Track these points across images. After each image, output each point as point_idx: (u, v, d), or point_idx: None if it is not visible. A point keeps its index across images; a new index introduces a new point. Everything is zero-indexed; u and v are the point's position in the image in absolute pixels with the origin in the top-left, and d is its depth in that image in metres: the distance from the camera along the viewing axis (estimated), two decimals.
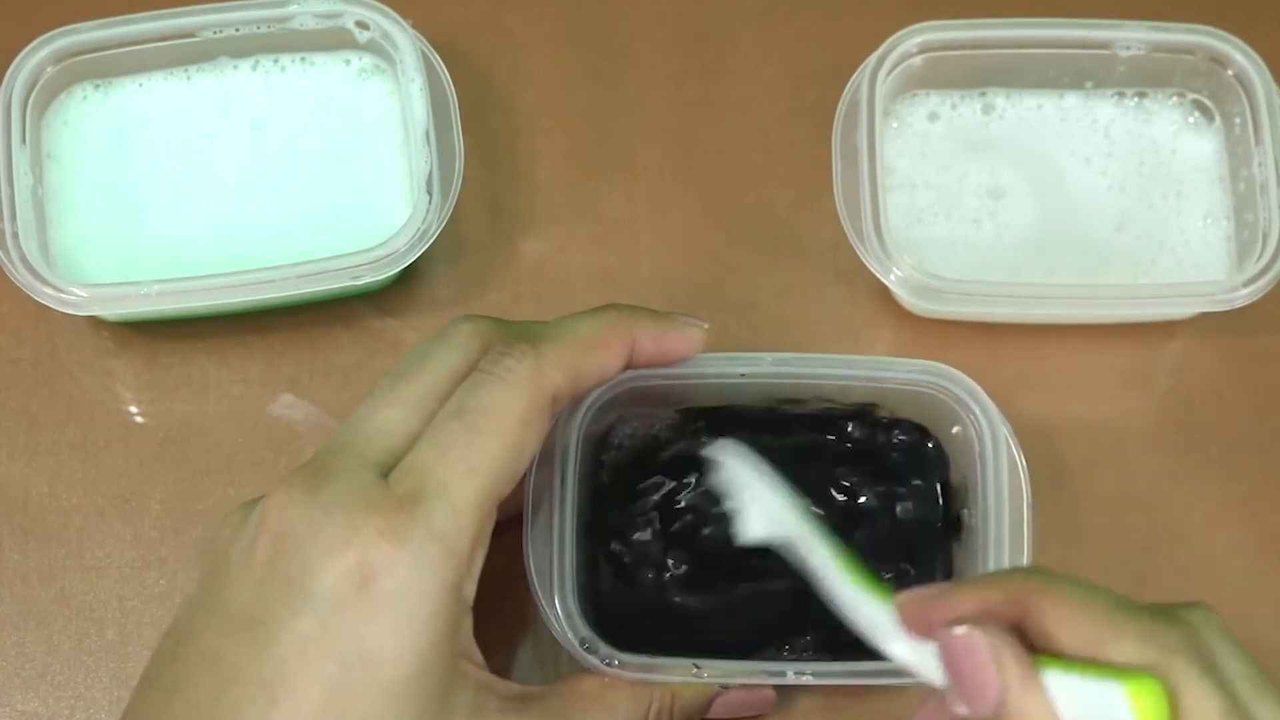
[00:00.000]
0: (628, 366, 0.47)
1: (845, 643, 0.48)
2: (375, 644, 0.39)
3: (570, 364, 0.44)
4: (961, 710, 0.37)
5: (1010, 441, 0.48)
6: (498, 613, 0.50)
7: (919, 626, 0.39)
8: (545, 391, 0.43)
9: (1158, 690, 0.35)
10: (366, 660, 0.39)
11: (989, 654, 0.37)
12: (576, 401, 0.48)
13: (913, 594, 0.40)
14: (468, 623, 0.43)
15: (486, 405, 0.42)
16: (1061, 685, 0.36)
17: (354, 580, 0.39)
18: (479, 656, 0.44)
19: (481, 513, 0.42)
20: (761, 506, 0.43)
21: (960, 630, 0.37)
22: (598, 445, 0.51)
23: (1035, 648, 0.37)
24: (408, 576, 0.40)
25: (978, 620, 0.37)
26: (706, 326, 0.48)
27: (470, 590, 0.42)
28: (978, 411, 0.48)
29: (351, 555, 0.40)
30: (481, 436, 0.42)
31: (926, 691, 0.40)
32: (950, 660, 0.37)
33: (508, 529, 0.47)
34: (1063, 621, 0.37)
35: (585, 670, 0.46)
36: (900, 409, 0.51)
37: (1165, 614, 0.38)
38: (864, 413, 0.51)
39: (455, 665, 0.42)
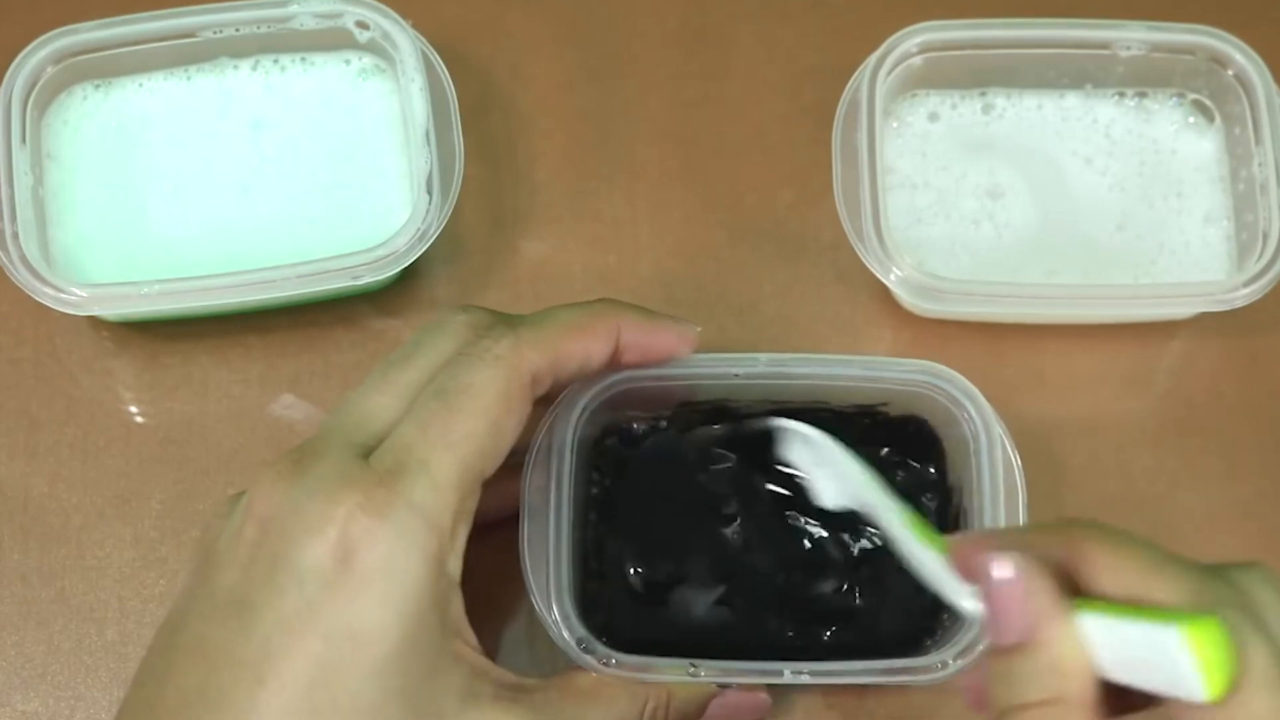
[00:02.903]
0: (619, 366, 0.47)
1: (843, 643, 0.49)
2: (360, 619, 0.40)
3: (550, 345, 0.44)
4: (995, 639, 0.37)
5: (1005, 440, 0.48)
6: (494, 610, 0.50)
7: (967, 568, 0.39)
8: (523, 370, 0.44)
9: (1219, 631, 0.34)
10: (352, 636, 0.40)
11: (1021, 582, 0.36)
12: (568, 395, 0.48)
13: (963, 536, 0.41)
14: (457, 601, 0.43)
15: (465, 384, 0.43)
16: (1103, 626, 0.35)
17: (336, 556, 0.40)
18: (473, 639, 0.44)
19: (462, 488, 0.42)
20: (836, 477, 0.45)
21: (997, 559, 0.37)
22: (593, 446, 0.50)
23: (1082, 593, 0.37)
24: (390, 550, 0.40)
25: (1017, 554, 0.37)
26: (698, 329, 0.48)
27: (455, 566, 0.42)
28: (972, 410, 0.48)
29: (333, 531, 0.40)
30: (460, 414, 0.42)
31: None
32: (987, 592, 0.37)
33: (504, 526, 0.47)
34: (1109, 568, 0.36)
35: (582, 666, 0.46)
36: (893, 410, 0.51)
37: (1216, 571, 0.37)
38: (860, 413, 0.51)
39: (445, 643, 0.42)
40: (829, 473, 0.46)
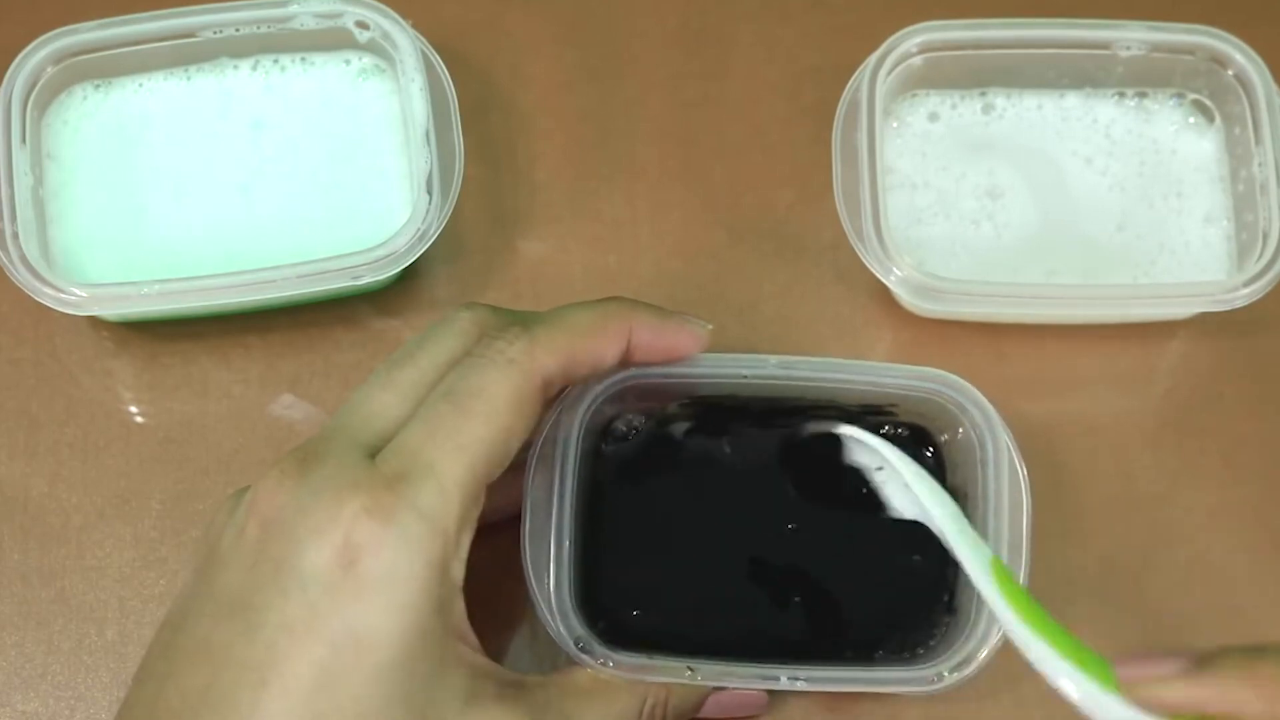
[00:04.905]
0: (629, 363, 0.47)
1: (840, 646, 0.49)
2: (364, 624, 0.39)
3: (563, 348, 0.44)
4: None
5: (1012, 449, 0.48)
6: (495, 608, 0.50)
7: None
8: (536, 375, 0.43)
9: None
10: (356, 641, 0.39)
11: None
12: (575, 392, 0.48)
13: (1140, 670, 0.39)
14: (459, 604, 0.43)
15: (476, 387, 0.42)
16: None
17: (342, 560, 0.40)
18: (475, 640, 0.44)
19: (469, 493, 0.42)
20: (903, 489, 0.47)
21: None
22: (597, 444, 0.50)
23: None
24: (395, 555, 0.40)
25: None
26: (709, 327, 0.48)
27: (459, 571, 0.42)
28: (980, 419, 0.48)
29: (338, 535, 0.40)
30: (470, 418, 0.42)
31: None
32: None
33: (506, 525, 0.47)
34: None
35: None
36: (901, 413, 0.51)
37: None
38: (864, 417, 0.51)
39: (447, 647, 0.42)
40: (897, 483, 0.47)
